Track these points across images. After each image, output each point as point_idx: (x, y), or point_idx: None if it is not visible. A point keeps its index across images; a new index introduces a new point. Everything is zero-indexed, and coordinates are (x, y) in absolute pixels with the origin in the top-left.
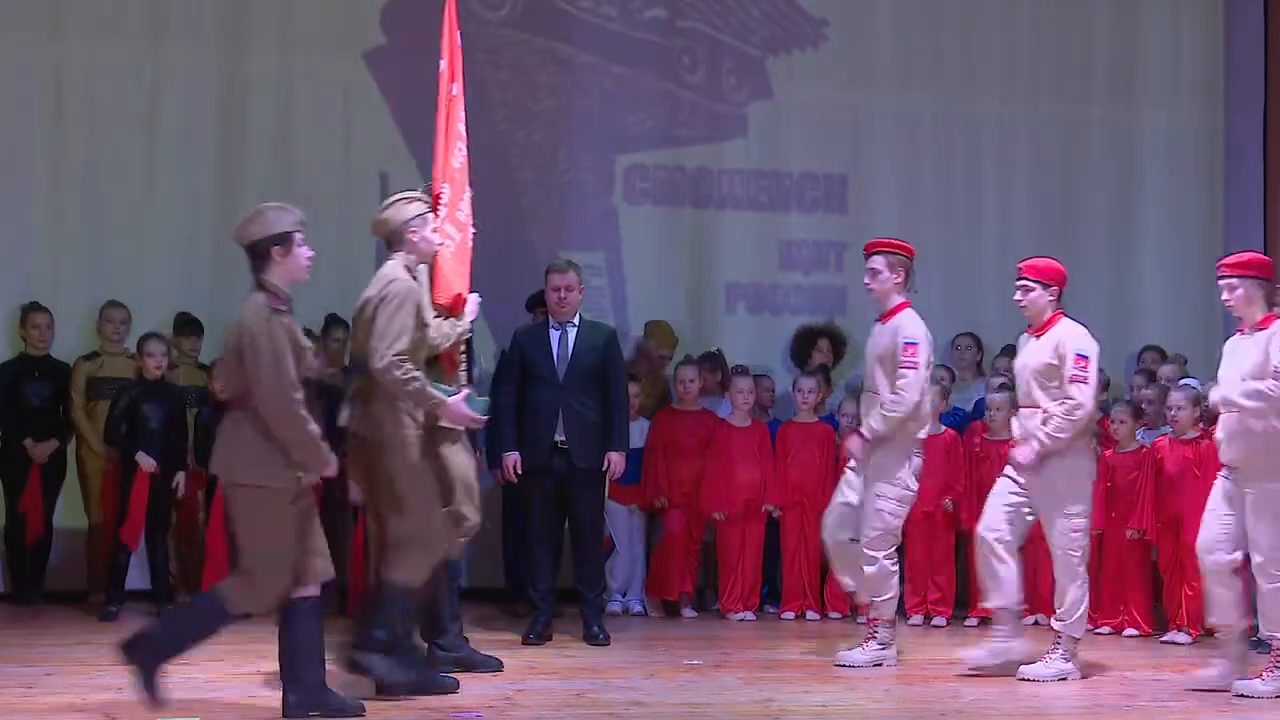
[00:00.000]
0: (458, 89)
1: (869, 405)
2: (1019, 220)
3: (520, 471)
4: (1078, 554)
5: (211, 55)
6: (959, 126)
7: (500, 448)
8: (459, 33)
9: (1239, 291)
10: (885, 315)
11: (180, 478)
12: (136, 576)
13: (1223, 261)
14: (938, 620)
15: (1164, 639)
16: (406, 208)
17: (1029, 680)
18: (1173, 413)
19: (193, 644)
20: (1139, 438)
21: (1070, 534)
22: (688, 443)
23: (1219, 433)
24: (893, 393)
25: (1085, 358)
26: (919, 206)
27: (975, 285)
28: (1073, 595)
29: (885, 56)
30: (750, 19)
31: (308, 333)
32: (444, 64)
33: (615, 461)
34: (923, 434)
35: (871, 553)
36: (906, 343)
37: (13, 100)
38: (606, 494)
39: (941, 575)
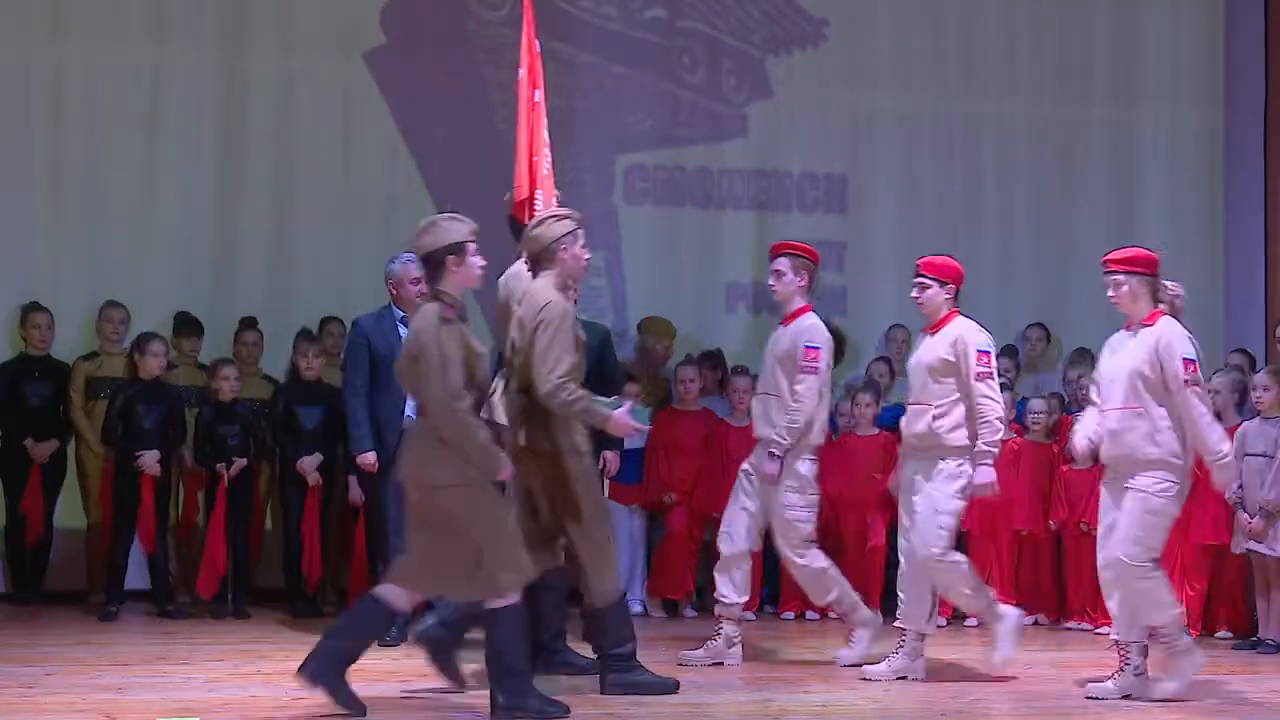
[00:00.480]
0: (540, 95)
1: (765, 407)
2: (1019, 220)
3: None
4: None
5: (211, 55)
6: (959, 126)
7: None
8: (537, 41)
9: (1125, 289)
10: (787, 318)
11: (151, 456)
12: (136, 576)
13: (1107, 258)
14: (938, 620)
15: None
16: (556, 225)
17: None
18: None
19: (524, 650)
20: None
21: (940, 532)
22: (688, 442)
23: (1108, 434)
24: (793, 399)
25: (988, 353)
26: (919, 206)
27: (975, 285)
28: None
29: (885, 56)
30: (750, 19)
31: (305, 333)
32: (523, 72)
33: (610, 460)
34: (820, 440)
35: (800, 560)
36: (808, 346)
37: (13, 100)
38: (605, 493)
39: None
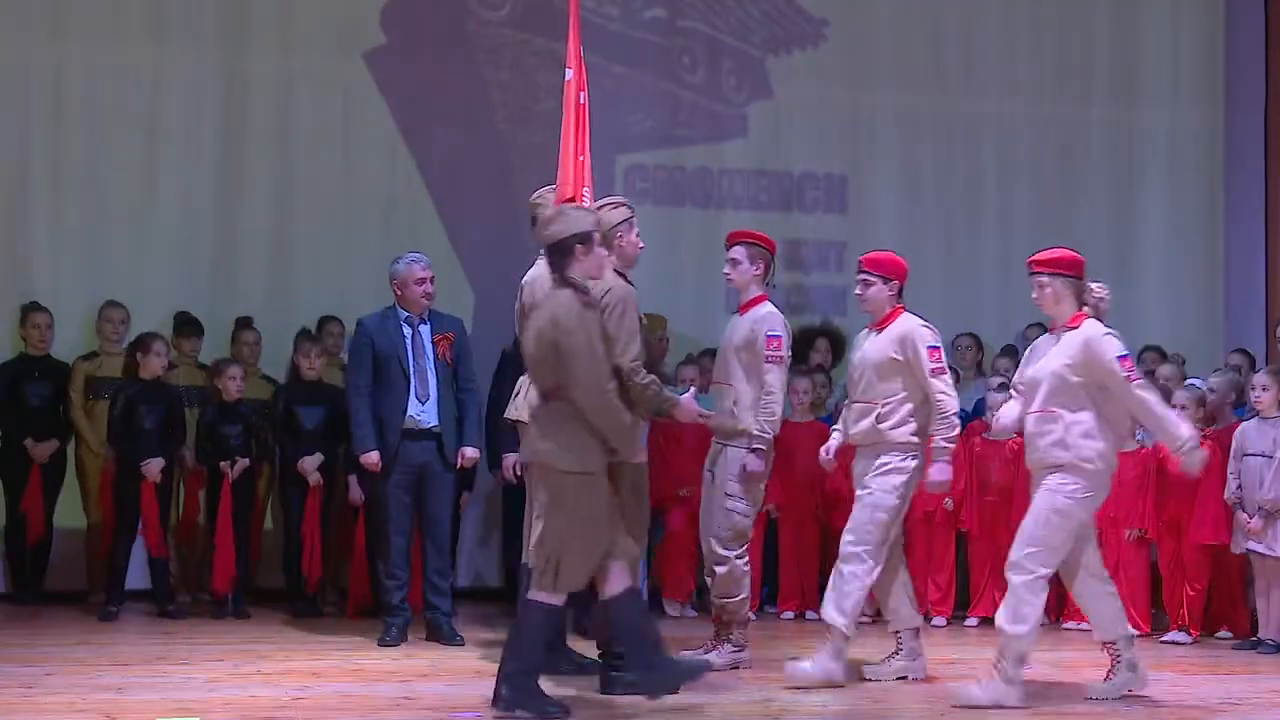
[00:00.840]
0: (585, 97)
1: (721, 396)
2: (1019, 220)
3: (520, 472)
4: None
5: (211, 55)
6: (959, 126)
7: (500, 448)
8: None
9: (1049, 290)
10: (743, 306)
11: (156, 464)
12: (136, 576)
13: (1032, 259)
14: (937, 620)
15: (1164, 639)
16: (612, 213)
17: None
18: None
19: (543, 651)
20: (1139, 438)
21: (869, 529)
22: (688, 441)
23: (1027, 437)
24: (764, 391)
25: (937, 348)
26: (919, 206)
27: (975, 285)
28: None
29: (885, 56)
30: (750, 19)
31: (306, 333)
32: (570, 73)
33: None
34: (775, 431)
35: (724, 552)
36: (770, 335)
37: (13, 100)
38: None
39: (941, 575)
